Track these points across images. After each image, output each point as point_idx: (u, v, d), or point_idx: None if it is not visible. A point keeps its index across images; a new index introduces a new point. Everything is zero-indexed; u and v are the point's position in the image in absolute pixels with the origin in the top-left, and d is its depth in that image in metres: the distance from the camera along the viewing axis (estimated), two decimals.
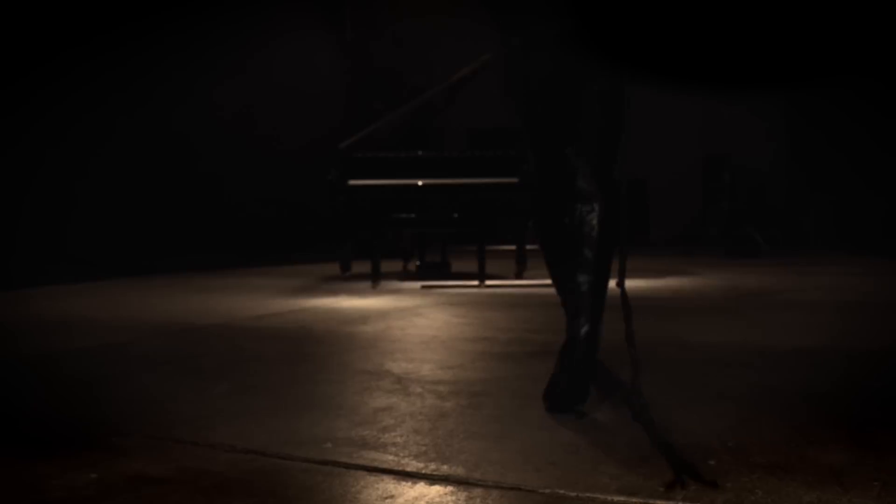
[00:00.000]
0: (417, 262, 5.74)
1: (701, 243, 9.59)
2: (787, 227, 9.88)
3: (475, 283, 4.81)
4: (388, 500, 1.22)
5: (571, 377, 1.73)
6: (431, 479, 1.31)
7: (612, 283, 1.76)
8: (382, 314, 3.52)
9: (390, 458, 1.42)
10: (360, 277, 5.33)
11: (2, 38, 5.50)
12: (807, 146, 9.82)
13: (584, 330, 1.73)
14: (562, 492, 1.24)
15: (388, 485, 1.29)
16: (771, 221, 9.54)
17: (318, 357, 2.51)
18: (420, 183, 4.99)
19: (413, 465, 1.38)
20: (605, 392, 1.88)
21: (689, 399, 1.86)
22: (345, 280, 5.36)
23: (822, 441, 1.47)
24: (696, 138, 10.44)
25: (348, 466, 1.38)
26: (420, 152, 5.11)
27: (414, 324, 3.19)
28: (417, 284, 4.96)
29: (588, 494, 1.22)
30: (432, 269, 5.54)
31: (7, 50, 5.54)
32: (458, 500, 1.22)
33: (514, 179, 4.93)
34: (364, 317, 3.44)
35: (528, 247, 5.25)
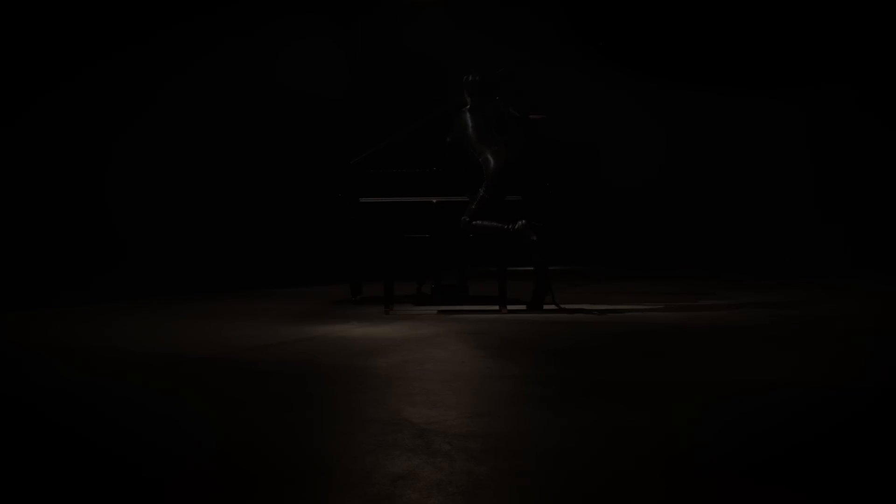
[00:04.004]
0: (433, 285, 5.38)
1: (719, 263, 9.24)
2: (805, 248, 9.53)
3: (496, 307, 4.45)
4: None
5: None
6: None
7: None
8: (397, 345, 3.16)
9: None
10: (371, 301, 4.97)
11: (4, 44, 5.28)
12: (825, 164, 9.49)
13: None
14: None
15: None
16: (789, 242, 9.23)
17: (324, 400, 2.16)
18: (435, 200, 4.67)
19: None
20: None
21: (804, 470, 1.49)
22: (355, 304, 5.02)
23: None
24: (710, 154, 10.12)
25: None
26: (435, 168, 4.78)
27: (433, 357, 2.84)
28: (433, 309, 4.61)
29: None
30: (449, 293, 5.18)
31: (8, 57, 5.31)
32: None
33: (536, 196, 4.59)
34: (376, 348, 3.09)
35: (552, 267, 4.88)
